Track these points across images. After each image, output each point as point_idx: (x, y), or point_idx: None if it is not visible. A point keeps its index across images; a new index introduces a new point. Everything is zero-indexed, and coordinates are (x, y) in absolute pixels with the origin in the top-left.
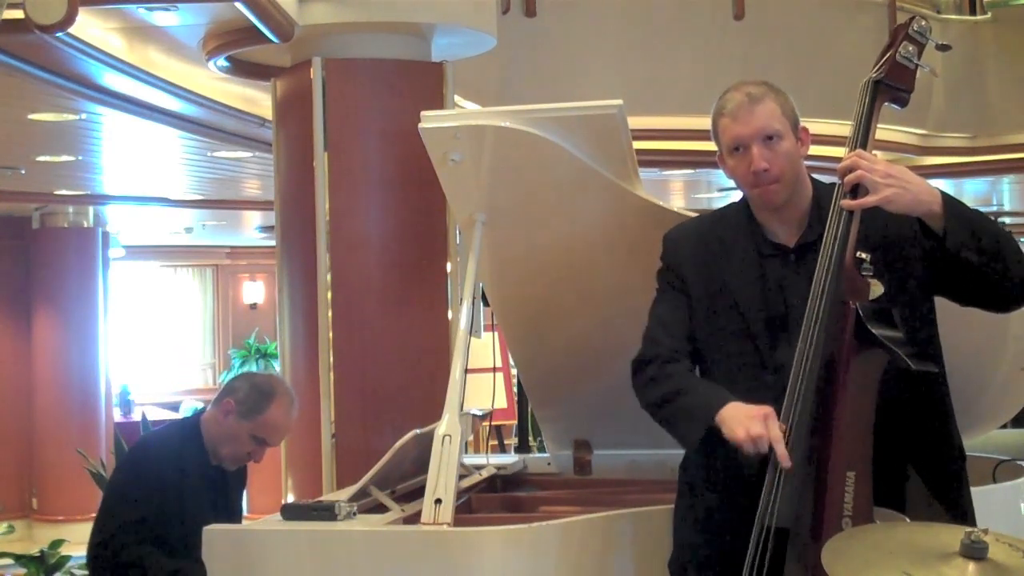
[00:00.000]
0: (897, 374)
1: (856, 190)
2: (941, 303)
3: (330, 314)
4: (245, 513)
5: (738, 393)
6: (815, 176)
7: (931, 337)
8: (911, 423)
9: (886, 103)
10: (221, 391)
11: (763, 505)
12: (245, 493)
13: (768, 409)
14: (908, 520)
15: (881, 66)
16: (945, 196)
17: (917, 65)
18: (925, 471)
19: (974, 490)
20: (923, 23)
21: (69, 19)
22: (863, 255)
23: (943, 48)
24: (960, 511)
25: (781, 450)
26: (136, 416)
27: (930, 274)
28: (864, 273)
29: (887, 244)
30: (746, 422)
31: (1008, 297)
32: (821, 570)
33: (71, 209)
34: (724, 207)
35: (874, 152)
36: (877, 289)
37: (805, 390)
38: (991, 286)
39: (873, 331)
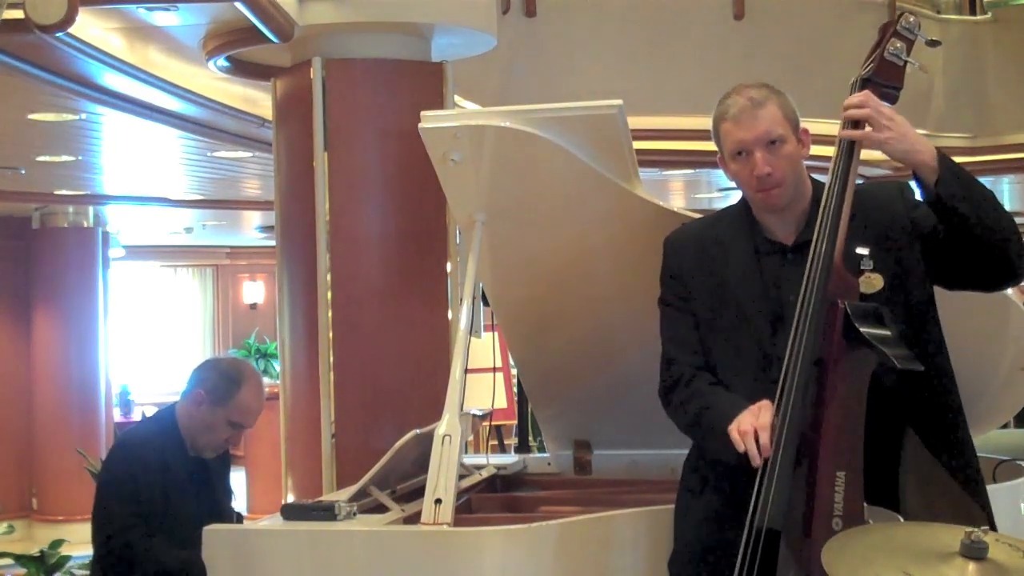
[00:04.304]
0: (896, 372)
1: (857, 126)
2: (941, 303)
3: (330, 314)
4: (245, 513)
5: (743, 391)
6: (815, 176)
7: (934, 333)
8: (913, 422)
9: None
10: (189, 382)
11: (753, 506)
12: (245, 488)
13: (765, 402)
14: (902, 520)
15: (870, 64)
16: (939, 150)
17: (906, 62)
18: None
19: None
20: (911, 19)
21: (69, 19)
22: (862, 250)
23: (933, 44)
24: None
25: (764, 439)
26: (136, 416)
27: (926, 261)
28: (863, 268)
29: (883, 236)
30: (740, 416)
31: (1000, 266)
32: (813, 570)
33: (71, 209)
34: (723, 209)
35: (862, 151)
36: (877, 283)
37: (795, 390)
38: (984, 250)
39: (862, 330)
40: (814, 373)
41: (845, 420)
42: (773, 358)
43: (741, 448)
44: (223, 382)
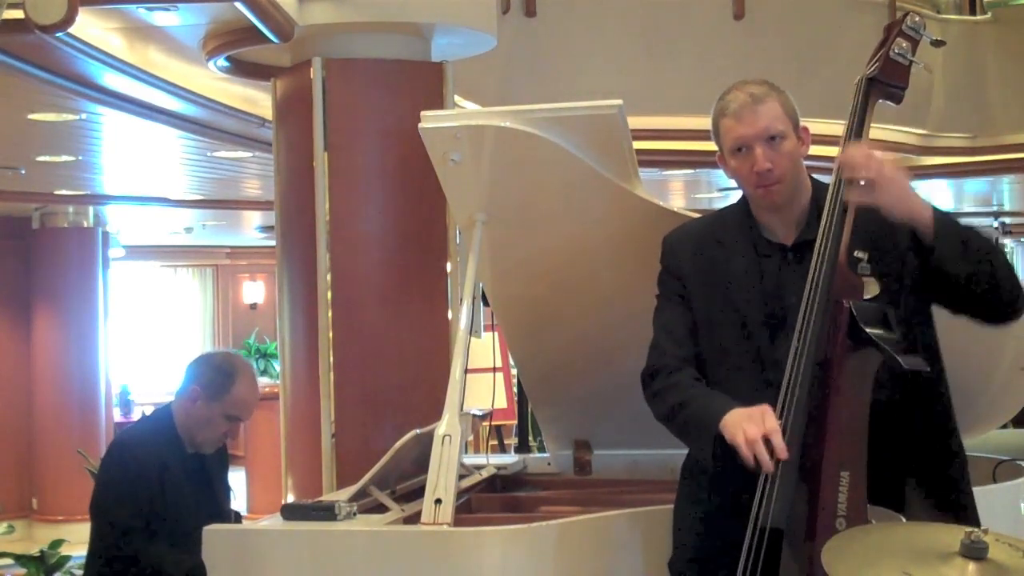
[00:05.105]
0: (894, 374)
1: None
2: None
3: (330, 314)
4: (245, 513)
5: (738, 393)
6: (815, 176)
7: (928, 336)
8: (909, 423)
9: (880, 100)
10: (184, 379)
11: (756, 505)
12: (245, 488)
13: (765, 407)
14: (905, 520)
15: (875, 63)
16: (936, 211)
17: (911, 61)
18: (923, 472)
19: (974, 490)
20: (917, 19)
21: (69, 19)
22: (860, 254)
23: (938, 44)
24: (961, 511)
25: (778, 441)
26: (136, 416)
27: (925, 273)
28: (861, 272)
29: (882, 241)
30: (744, 423)
31: (995, 313)
32: (816, 570)
33: (71, 209)
34: (723, 208)
35: (868, 134)
36: (873, 288)
37: (798, 389)
38: (978, 300)
39: (866, 331)
40: (818, 373)
41: (849, 420)
42: (770, 359)
43: (750, 458)
44: (218, 376)
